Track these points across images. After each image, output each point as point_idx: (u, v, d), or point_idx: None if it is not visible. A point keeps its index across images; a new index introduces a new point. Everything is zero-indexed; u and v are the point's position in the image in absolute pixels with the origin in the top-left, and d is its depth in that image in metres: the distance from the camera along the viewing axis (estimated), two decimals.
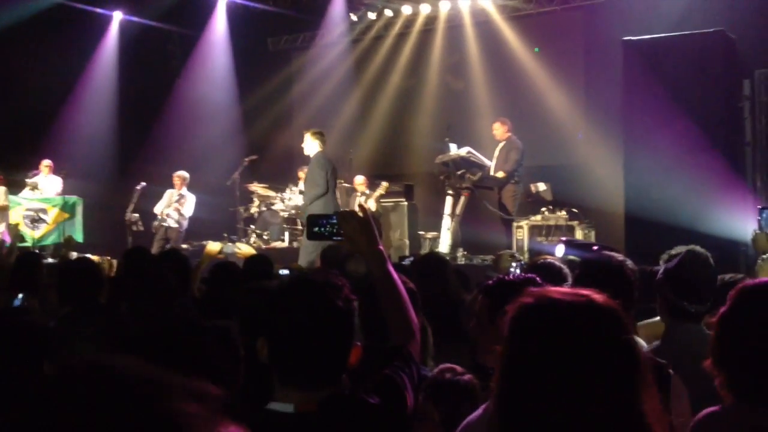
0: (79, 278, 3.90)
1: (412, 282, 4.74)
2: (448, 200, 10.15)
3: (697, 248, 3.42)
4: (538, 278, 2.75)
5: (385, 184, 11.24)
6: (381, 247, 2.40)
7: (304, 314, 1.99)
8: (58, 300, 3.82)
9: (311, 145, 9.04)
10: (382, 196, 11.21)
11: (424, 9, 14.25)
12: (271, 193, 12.22)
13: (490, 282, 2.92)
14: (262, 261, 4.86)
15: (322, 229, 2.50)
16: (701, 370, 2.16)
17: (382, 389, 2.10)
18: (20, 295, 4.37)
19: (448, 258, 7.31)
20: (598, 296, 1.52)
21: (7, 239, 10.99)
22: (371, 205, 11.25)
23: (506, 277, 2.92)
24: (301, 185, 12.12)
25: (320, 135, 9.11)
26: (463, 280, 5.05)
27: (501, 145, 10.35)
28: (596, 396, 1.41)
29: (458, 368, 3.04)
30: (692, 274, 3.26)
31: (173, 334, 2.35)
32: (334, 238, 2.49)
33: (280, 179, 12.64)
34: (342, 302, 2.03)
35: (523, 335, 1.49)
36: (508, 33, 13.41)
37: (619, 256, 3.34)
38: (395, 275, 2.37)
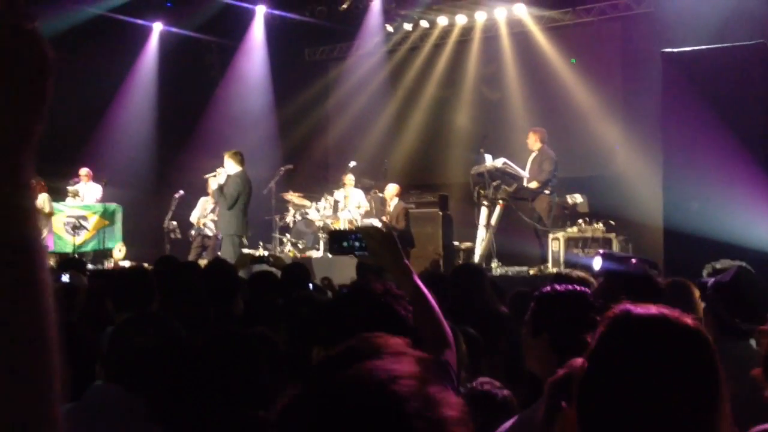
0: (134, 286, 3.94)
1: (447, 290, 4.78)
2: (483, 211, 10.14)
3: (746, 265, 3.37)
4: (588, 291, 2.75)
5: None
6: (406, 261, 2.41)
7: (365, 322, 1.99)
8: (114, 307, 3.85)
9: (231, 165, 9.81)
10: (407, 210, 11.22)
11: (460, 20, 14.28)
12: (306, 202, 12.30)
13: (542, 290, 2.93)
14: (300, 270, 4.90)
15: (347, 244, 2.53)
16: (750, 386, 2.14)
17: None
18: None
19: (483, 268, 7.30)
20: (686, 317, 1.51)
21: (51, 246, 11.23)
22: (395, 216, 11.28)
23: (557, 287, 2.92)
24: (337, 194, 12.22)
25: (239, 155, 9.93)
26: (499, 291, 5.05)
27: (534, 155, 10.33)
28: (678, 417, 1.41)
29: (496, 382, 3.04)
30: (746, 291, 3.21)
31: (219, 343, 2.40)
32: (357, 253, 2.51)
33: (316, 188, 12.72)
34: (403, 310, 2.04)
35: (610, 350, 1.49)
36: (545, 43, 13.38)
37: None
38: (423, 288, 2.37)
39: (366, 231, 2.48)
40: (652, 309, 1.52)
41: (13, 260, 0.76)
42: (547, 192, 9.99)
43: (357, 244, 2.50)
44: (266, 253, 5.41)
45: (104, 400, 2.28)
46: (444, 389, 1.01)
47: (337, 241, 2.55)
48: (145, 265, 8.44)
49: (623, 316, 1.50)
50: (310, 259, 10.39)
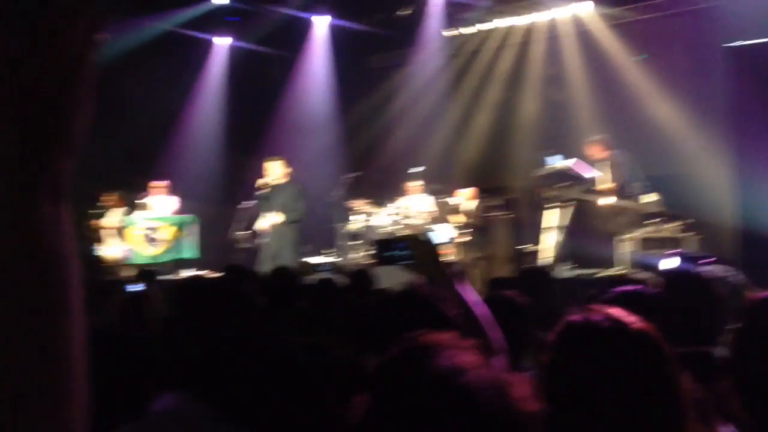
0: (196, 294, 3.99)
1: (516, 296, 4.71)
2: (553, 213, 9.99)
3: None
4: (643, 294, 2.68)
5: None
6: (450, 272, 2.45)
7: (414, 325, 2.00)
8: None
9: (282, 174, 9.90)
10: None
11: (522, 21, 14.14)
12: (373, 209, 12.33)
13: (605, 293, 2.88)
14: (363, 277, 4.91)
15: (392, 253, 2.52)
16: None
17: None
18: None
19: (551, 272, 7.19)
20: (634, 321, 1.50)
21: (128, 257, 11.57)
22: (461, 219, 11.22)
23: (612, 292, 2.86)
24: (403, 200, 12.21)
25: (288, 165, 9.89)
26: (569, 294, 4.96)
27: (603, 164, 10.05)
28: (631, 422, 1.39)
29: None
30: None
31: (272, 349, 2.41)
32: (403, 261, 2.51)
33: (382, 195, 12.74)
34: (449, 315, 2.04)
35: (558, 354, 1.51)
36: (609, 41, 13.13)
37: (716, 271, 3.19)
38: (467, 294, 2.38)
39: (412, 240, 2.49)
40: (598, 315, 1.51)
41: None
42: (630, 195, 9.74)
43: (402, 253, 2.49)
44: (329, 261, 5.43)
45: (173, 409, 2.31)
46: (507, 371, 1.02)
47: (383, 250, 2.55)
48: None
49: (568, 325, 1.53)
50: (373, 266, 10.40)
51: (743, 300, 3.34)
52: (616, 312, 1.56)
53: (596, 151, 10.05)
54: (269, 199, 9.97)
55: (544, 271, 5.16)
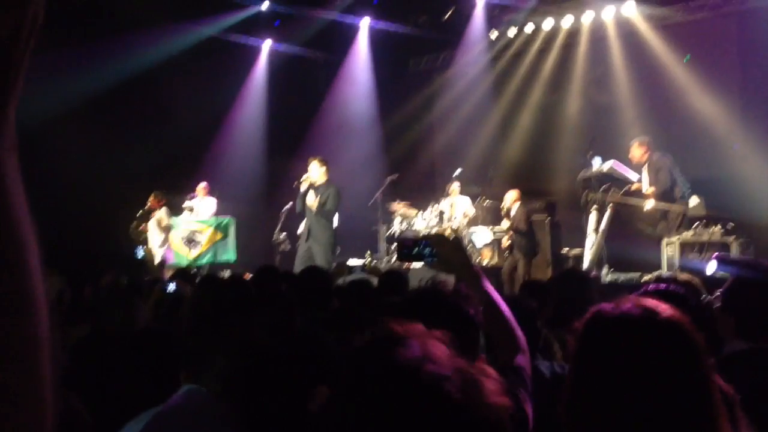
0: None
1: (544, 295, 4.66)
2: (593, 216, 9.85)
3: None
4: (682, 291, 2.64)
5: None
6: (476, 268, 2.41)
7: (434, 319, 1.99)
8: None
9: (321, 174, 9.87)
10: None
11: (566, 22, 14.00)
12: (412, 212, 12.33)
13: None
14: (396, 278, 4.90)
15: (416, 251, 2.50)
16: None
17: None
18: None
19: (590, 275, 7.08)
20: (663, 310, 1.46)
21: (170, 258, 11.72)
22: (506, 223, 11.14)
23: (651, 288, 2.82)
24: (443, 203, 12.18)
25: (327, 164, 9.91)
26: (606, 297, 4.86)
27: (646, 166, 9.87)
28: (662, 411, 1.35)
29: None
30: None
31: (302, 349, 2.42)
32: (426, 260, 2.48)
33: (422, 197, 12.73)
34: (471, 309, 2.03)
35: (584, 353, 1.47)
36: (656, 42, 12.93)
37: None
38: (494, 293, 2.36)
39: (435, 238, 2.48)
40: (627, 304, 1.48)
41: None
42: (677, 197, 9.56)
43: (426, 251, 2.47)
44: (362, 262, 5.43)
45: (192, 403, 2.33)
46: (475, 362, 1.02)
47: (407, 247, 2.52)
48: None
49: (595, 317, 1.49)
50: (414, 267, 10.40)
51: None
52: (647, 301, 1.53)
53: (639, 153, 9.86)
54: (309, 203, 9.98)
55: (581, 274, 5.08)
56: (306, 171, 10.01)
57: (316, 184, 9.94)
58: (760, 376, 1.49)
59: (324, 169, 10.01)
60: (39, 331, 0.68)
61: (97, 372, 2.95)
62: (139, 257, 11.37)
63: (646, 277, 9.08)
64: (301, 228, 10.35)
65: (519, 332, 2.37)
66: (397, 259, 2.58)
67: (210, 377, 2.42)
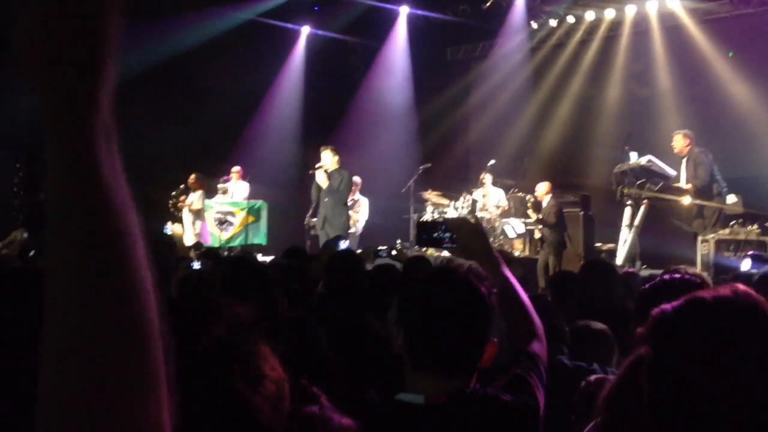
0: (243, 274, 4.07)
1: (574, 287, 4.60)
2: (627, 211, 9.73)
3: None
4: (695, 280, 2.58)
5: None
6: (496, 253, 2.38)
7: (445, 296, 1.98)
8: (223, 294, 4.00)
9: (333, 161, 10.14)
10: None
11: (609, 14, 13.81)
12: (444, 201, 12.29)
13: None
14: (422, 263, 4.88)
15: (436, 235, 2.46)
16: None
17: (514, 388, 2.04)
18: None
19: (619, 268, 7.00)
20: (742, 289, 1.40)
21: (207, 240, 11.83)
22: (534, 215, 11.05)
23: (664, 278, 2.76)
24: (476, 193, 12.12)
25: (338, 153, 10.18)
26: (630, 289, 4.81)
27: (685, 160, 9.71)
28: (749, 395, 1.30)
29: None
30: None
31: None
32: (446, 245, 2.44)
33: (455, 187, 12.67)
34: (485, 289, 2.01)
35: (661, 340, 1.42)
36: (699, 37, 12.70)
37: None
38: (512, 279, 2.33)
39: (455, 223, 2.44)
40: (722, 291, 1.41)
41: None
42: (708, 194, 9.41)
43: (447, 236, 2.43)
44: (389, 247, 5.43)
45: None
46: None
47: (426, 232, 2.49)
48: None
49: (692, 301, 1.42)
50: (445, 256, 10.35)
51: None
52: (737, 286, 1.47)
53: (681, 144, 9.71)
54: (322, 185, 10.23)
55: (607, 265, 5.01)
56: (319, 160, 10.26)
57: (329, 171, 10.14)
58: None
59: (336, 158, 10.25)
60: (149, 320, 0.68)
61: None
62: (167, 234, 11.49)
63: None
64: (314, 219, 10.59)
65: (537, 320, 2.34)
66: (417, 243, 2.55)
67: None
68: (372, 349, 2.85)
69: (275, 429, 0.93)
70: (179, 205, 12.07)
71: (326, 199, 10.20)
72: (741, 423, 1.29)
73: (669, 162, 10.02)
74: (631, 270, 7.12)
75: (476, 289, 2.00)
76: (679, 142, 9.71)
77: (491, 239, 11.45)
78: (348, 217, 10.45)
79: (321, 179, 10.17)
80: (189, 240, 11.77)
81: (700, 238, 8.96)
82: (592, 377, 2.77)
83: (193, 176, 12.06)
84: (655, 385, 1.38)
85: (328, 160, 10.21)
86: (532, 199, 11.10)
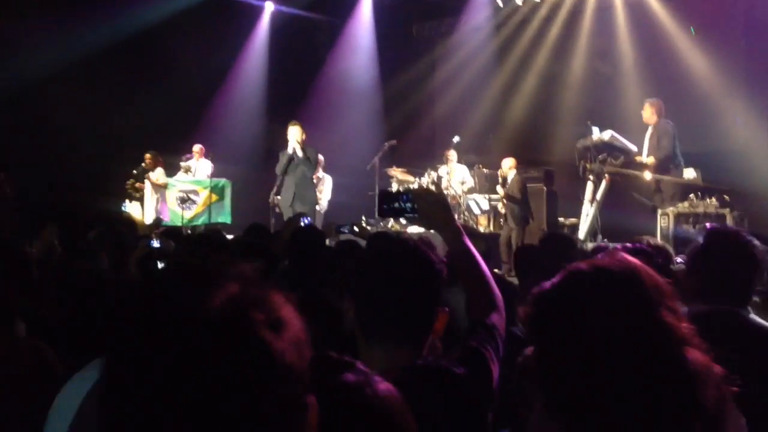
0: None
1: (537, 260, 4.64)
2: (589, 186, 9.82)
3: None
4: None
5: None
6: (457, 223, 2.36)
7: (393, 265, 1.97)
8: None
9: (299, 136, 10.27)
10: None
11: None
12: (410, 177, 12.29)
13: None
14: (384, 238, 4.87)
15: (397, 205, 2.43)
16: None
17: (468, 360, 2.04)
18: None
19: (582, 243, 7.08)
20: (621, 257, 1.44)
21: (166, 217, 11.73)
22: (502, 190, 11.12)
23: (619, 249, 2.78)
24: (441, 170, 12.14)
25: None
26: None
27: (650, 130, 9.83)
28: (625, 364, 1.33)
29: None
30: None
31: None
32: (407, 215, 2.42)
33: (420, 164, 12.67)
34: (434, 258, 2.01)
35: (541, 317, 1.45)
36: (662, 13, 12.77)
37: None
38: (473, 250, 2.32)
39: (417, 193, 2.41)
40: (601, 260, 1.45)
41: None
42: (672, 167, 9.54)
43: (408, 206, 2.40)
44: (350, 224, 5.42)
45: None
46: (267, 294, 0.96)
47: (387, 202, 2.45)
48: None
49: (569, 274, 1.45)
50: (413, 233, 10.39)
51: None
52: (604, 258, 1.50)
53: (648, 113, 9.81)
54: (290, 163, 10.26)
55: (566, 237, 5.07)
56: (283, 137, 10.43)
57: (300, 146, 10.30)
58: (713, 336, 1.48)
59: (304, 136, 10.39)
60: None
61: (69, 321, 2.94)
62: (124, 211, 11.38)
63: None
64: (278, 196, 10.61)
65: (496, 291, 2.33)
66: (378, 214, 2.52)
67: None
68: (328, 324, 2.85)
69: (302, 372, 0.95)
70: (137, 185, 11.94)
71: (296, 174, 10.26)
72: (624, 391, 1.32)
73: (631, 137, 10.11)
74: (602, 245, 7.18)
75: (425, 258, 2.00)
76: (648, 111, 9.81)
77: (456, 215, 11.50)
78: (315, 193, 10.50)
79: (297, 150, 10.24)
80: (148, 218, 11.66)
81: (660, 211, 9.09)
82: (528, 350, 2.77)
83: (148, 155, 11.95)
84: (542, 365, 1.41)
85: (297, 135, 10.22)
86: (503, 176, 11.18)
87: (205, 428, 0.87)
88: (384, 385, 1.32)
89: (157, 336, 0.89)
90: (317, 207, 11.55)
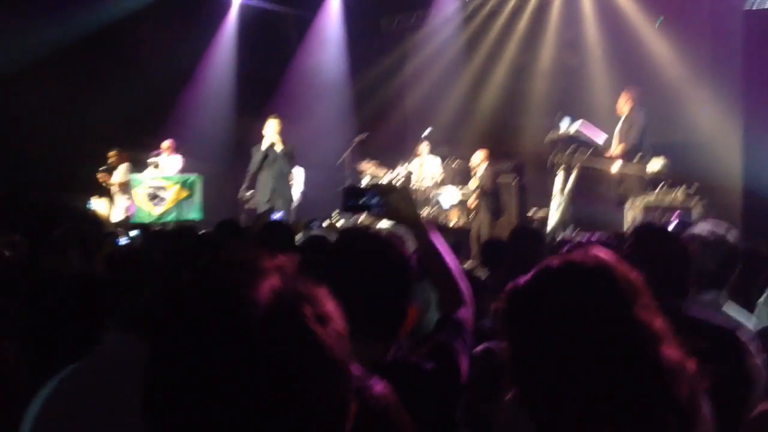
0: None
1: (505, 254, 4.66)
2: (559, 178, 9.90)
3: None
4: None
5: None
6: (424, 219, 2.38)
7: (364, 259, 1.97)
8: None
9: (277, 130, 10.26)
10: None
11: None
12: (381, 172, 12.28)
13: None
14: (355, 232, 4.87)
15: (363, 200, 2.41)
16: None
17: (437, 355, 2.04)
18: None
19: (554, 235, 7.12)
20: (593, 252, 1.45)
21: (133, 213, 11.62)
22: (474, 183, 11.16)
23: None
24: (412, 163, 12.15)
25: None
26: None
27: (622, 119, 9.94)
28: (597, 359, 1.33)
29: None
30: None
31: None
32: (374, 210, 2.41)
33: (391, 157, 12.67)
34: (405, 252, 2.00)
35: (514, 313, 1.46)
36: (629, 6, 12.86)
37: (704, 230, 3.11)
38: (441, 244, 2.33)
39: (383, 188, 2.40)
40: (573, 255, 1.46)
41: None
42: (635, 160, 9.64)
43: (374, 201, 2.38)
44: (320, 220, 5.38)
45: (120, 351, 2.29)
46: (309, 290, 0.97)
47: (353, 197, 2.43)
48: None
49: (541, 270, 1.47)
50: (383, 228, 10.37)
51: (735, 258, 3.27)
52: (576, 254, 1.50)
53: (622, 103, 9.93)
54: (266, 157, 10.20)
55: (534, 231, 5.10)
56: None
57: (279, 141, 10.22)
58: None
59: (279, 129, 10.34)
60: None
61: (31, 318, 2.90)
62: (91, 209, 11.26)
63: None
64: (249, 192, 10.49)
65: (464, 286, 2.34)
66: (343, 209, 2.49)
67: (122, 317, 2.39)
68: None
69: (348, 367, 0.97)
70: (104, 182, 11.83)
71: (273, 170, 10.23)
72: (598, 387, 1.33)
73: (602, 126, 10.18)
74: (567, 238, 7.23)
75: (396, 252, 1.99)
76: (622, 100, 9.95)
77: (427, 209, 11.53)
78: (289, 191, 10.48)
79: (276, 144, 10.20)
80: (116, 216, 11.54)
81: (628, 203, 9.18)
82: (478, 348, 2.77)
83: (112, 153, 11.83)
84: (515, 360, 1.42)
85: (276, 129, 10.19)
86: (475, 170, 11.23)
87: (259, 422, 0.88)
88: (380, 387, 1.33)
89: (207, 332, 0.90)
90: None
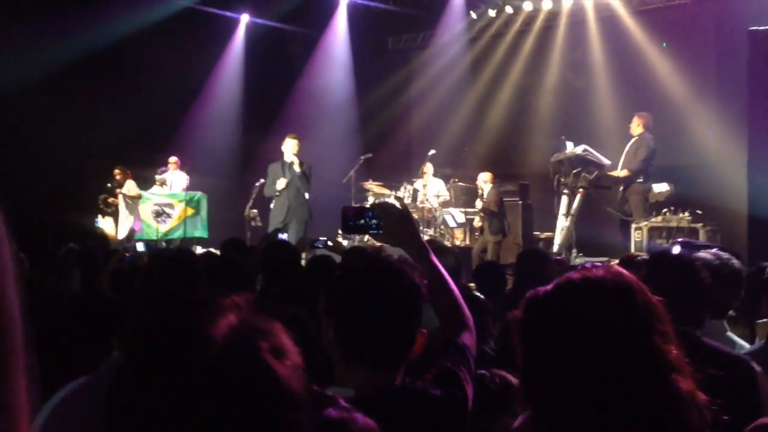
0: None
1: (500, 278, 4.63)
2: (563, 199, 9.89)
3: None
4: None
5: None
6: (422, 240, 2.34)
7: (378, 286, 1.95)
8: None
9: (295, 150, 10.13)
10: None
11: (546, 5, 13.96)
12: (386, 191, 12.28)
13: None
14: (360, 253, 4.86)
15: (362, 222, 2.38)
16: None
17: (444, 381, 2.03)
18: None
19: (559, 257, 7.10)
20: (614, 269, 1.46)
21: (139, 230, 11.62)
22: (479, 203, 11.15)
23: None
24: (416, 183, 12.16)
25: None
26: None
27: (632, 141, 9.97)
28: (608, 371, 1.34)
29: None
30: None
31: None
32: (371, 231, 2.38)
33: (396, 177, 12.68)
34: (417, 279, 1.99)
35: (532, 320, 1.46)
36: (634, 28, 12.93)
37: (710, 256, 3.10)
38: (440, 267, 2.29)
39: (382, 208, 2.38)
40: (594, 271, 1.47)
41: None
42: (639, 181, 9.65)
43: (373, 222, 2.35)
44: (325, 239, 5.36)
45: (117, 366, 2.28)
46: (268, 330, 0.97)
47: (352, 219, 2.40)
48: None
49: (562, 282, 1.48)
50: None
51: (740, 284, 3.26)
52: (590, 270, 1.51)
53: (635, 125, 9.96)
54: (283, 176, 10.16)
55: (541, 253, 5.09)
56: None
57: (298, 161, 10.19)
58: None
59: (299, 148, 10.27)
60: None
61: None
62: (98, 226, 11.27)
63: (613, 261, 9.13)
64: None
65: (466, 310, 2.30)
66: (342, 230, 2.45)
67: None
68: (302, 342, 2.82)
69: (305, 400, 0.96)
70: (110, 200, 11.83)
71: (289, 190, 10.17)
72: (610, 407, 1.34)
73: (604, 150, 10.19)
74: (560, 258, 7.21)
75: (409, 279, 1.98)
76: (635, 122, 10.01)
77: (432, 229, 11.53)
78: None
79: (294, 165, 10.14)
80: (122, 233, 11.54)
81: (633, 225, 9.17)
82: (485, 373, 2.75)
83: (117, 170, 11.85)
84: (528, 373, 1.42)
85: (295, 149, 10.16)
86: (481, 190, 11.25)
87: None
88: (364, 420, 1.32)
89: (167, 368, 0.91)
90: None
